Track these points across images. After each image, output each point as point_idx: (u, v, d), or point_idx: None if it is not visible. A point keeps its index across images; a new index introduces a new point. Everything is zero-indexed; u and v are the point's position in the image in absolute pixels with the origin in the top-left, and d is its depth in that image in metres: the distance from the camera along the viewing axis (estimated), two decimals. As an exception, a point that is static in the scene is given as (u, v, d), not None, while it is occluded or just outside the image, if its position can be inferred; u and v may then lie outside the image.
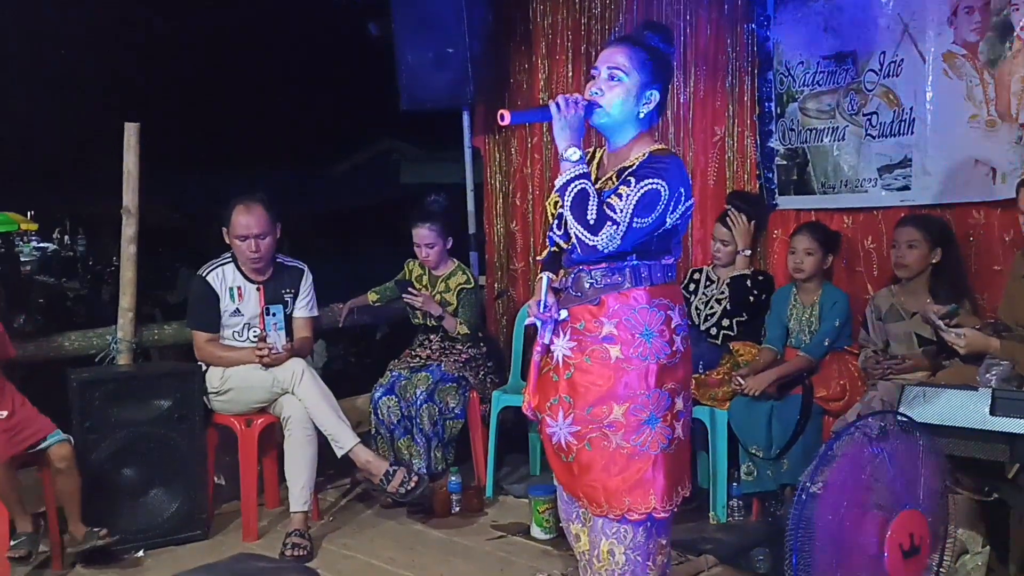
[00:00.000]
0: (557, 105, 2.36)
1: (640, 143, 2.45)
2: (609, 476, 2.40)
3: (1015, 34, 3.44)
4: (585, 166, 2.38)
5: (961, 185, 3.64)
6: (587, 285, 2.43)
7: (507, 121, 2.39)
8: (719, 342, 4.04)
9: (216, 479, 4.09)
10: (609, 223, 2.29)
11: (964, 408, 2.66)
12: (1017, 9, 3.44)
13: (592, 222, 2.30)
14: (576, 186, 2.33)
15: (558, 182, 2.38)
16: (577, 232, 2.32)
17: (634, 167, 2.38)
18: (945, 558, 2.49)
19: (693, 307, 4.13)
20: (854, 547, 2.23)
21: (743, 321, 4.02)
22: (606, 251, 2.32)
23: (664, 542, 2.50)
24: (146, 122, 4.06)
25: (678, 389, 2.45)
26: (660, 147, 2.46)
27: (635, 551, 2.43)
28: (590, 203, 2.31)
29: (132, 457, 3.67)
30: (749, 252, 4.09)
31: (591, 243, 2.30)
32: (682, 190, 2.37)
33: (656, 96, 2.42)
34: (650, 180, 2.32)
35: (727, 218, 4.08)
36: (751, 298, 4.02)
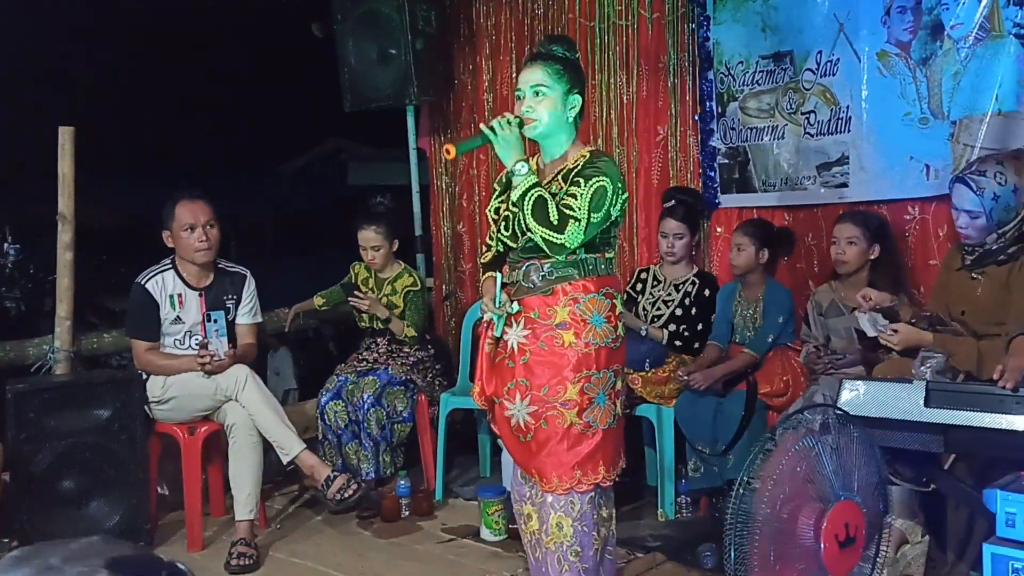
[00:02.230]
0: (492, 129, 2.59)
1: (576, 147, 2.71)
2: (563, 451, 2.62)
3: (945, 33, 3.52)
4: (535, 176, 2.61)
5: (897, 182, 3.71)
6: (538, 277, 2.65)
7: (452, 155, 2.62)
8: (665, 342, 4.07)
9: (160, 489, 4.03)
10: (572, 220, 2.52)
11: (900, 400, 2.71)
12: (947, 8, 3.52)
13: (556, 223, 2.53)
14: (533, 194, 2.56)
15: (514, 194, 2.60)
16: (543, 234, 2.54)
17: (578, 168, 2.62)
18: (882, 548, 2.54)
19: (640, 307, 4.16)
20: (792, 539, 2.26)
21: (694, 325, 4.05)
22: (573, 247, 2.56)
23: (606, 515, 2.73)
24: (84, 124, 3.97)
25: (620, 371, 2.72)
26: (594, 148, 2.76)
27: (582, 522, 2.65)
28: (550, 206, 2.53)
29: (71, 468, 3.58)
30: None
31: (559, 241, 2.53)
32: (620, 184, 2.63)
33: (579, 100, 2.68)
34: (596, 179, 2.57)
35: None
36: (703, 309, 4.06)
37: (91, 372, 4.20)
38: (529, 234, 2.60)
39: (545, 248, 2.58)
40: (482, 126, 2.64)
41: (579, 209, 2.52)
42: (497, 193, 2.81)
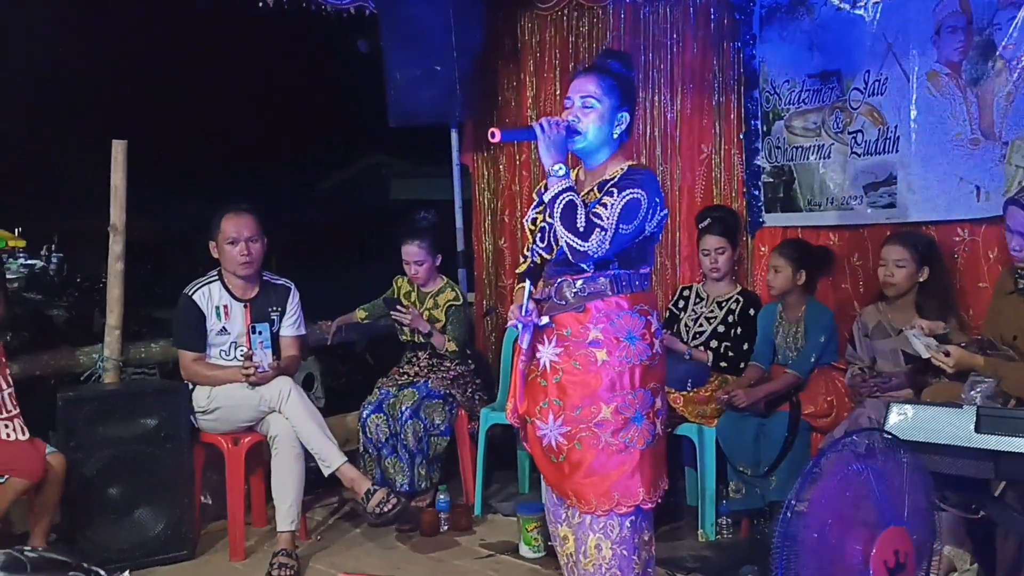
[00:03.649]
0: (541, 126, 2.54)
1: (616, 161, 2.66)
2: (599, 472, 2.55)
3: (997, 53, 3.48)
4: (571, 180, 2.56)
5: (946, 203, 3.67)
6: (571, 294, 2.60)
7: (497, 138, 2.59)
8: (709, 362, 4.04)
9: (203, 498, 4.07)
10: (598, 229, 2.46)
11: (949, 425, 2.66)
12: (999, 28, 3.48)
13: (582, 229, 2.47)
14: (564, 198, 2.51)
15: (547, 195, 2.56)
16: (568, 240, 2.48)
17: (614, 180, 2.58)
18: (931, 575, 2.49)
19: (682, 324, 4.14)
20: (839, 564, 2.23)
21: (738, 344, 4.02)
22: (596, 256, 2.49)
23: (647, 538, 2.65)
24: (133, 138, 4.06)
25: (658, 389, 2.64)
26: (634, 163, 2.69)
27: (621, 545, 2.58)
28: (578, 212, 2.48)
29: (118, 476, 3.64)
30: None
31: (582, 248, 2.47)
32: (657, 200, 2.58)
33: (627, 117, 2.64)
34: (630, 190, 2.52)
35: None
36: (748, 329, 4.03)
37: (139, 381, 4.27)
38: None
39: (568, 254, 2.52)
40: (535, 123, 2.59)
41: (607, 219, 2.47)
42: (536, 203, 2.76)
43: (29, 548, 1.19)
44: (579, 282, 2.58)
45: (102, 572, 1.22)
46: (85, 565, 1.15)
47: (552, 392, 2.60)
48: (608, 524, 2.57)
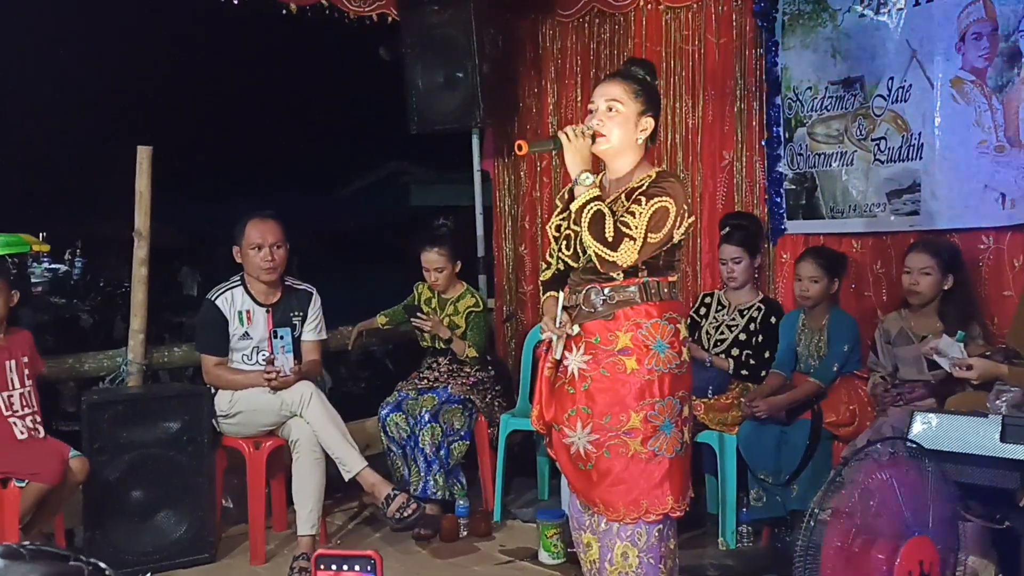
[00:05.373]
0: (567, 135, 2.56)
1: (642, 166, 2.66)
2: (628, 481, 2.55)
3: (1023, 60, 3.45)
4: (598, 189, 2.56)
5: (970, 210, 3.64)
6: (599, 302, 2.59)
7: (524, 151, 2.60)
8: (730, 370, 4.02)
9: (224, 502, 4.10)
10: (627, 239, 2.47)
11: (974, 435, 2.64)
12: (1025, 35, 3.46)
13: (611, 239, 2.48)
14: (592, 207, 2.51)
15: (574, 205, 2.56)
16: (597, 250, 2.48)
17: (643, 187, 2.57)
18: (956, 586, 2.47)
19: (704, 331, 4.13)
20: (863, 574, 2.21)
21: (760, 352, 3.99)
22: (625, 265, 2.50)
23: (673, 546, 2.65)
24: (157, 145, 4.10)
25: (686, 397, 2.64)
26: (661, 169, 2.69)
27: (648, 553, 2.57)
28: (607, 222, 2.49)
29: (140, 479, 3.67)
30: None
31: (611, 259, 2.48)
32: (685, 207, 2.58)
33: (651, 122, 2.65)
34: (659, 199, 2.52)
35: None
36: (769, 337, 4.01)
37: (162, 385, 4.29)
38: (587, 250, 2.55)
39: (597, 264, 2.52)
40: (560, 132, 2.60)
41: (636, 228, 2.48)
42: (559, 209, 2.76)
43: (28, 543, 1.21)
44: (607, 289, 2.58)
45: (102, 565, 1.23)
46: (83, 557, 1.15)
47: (580, 400, 2.61)
48: (636, 532, 2.57)
